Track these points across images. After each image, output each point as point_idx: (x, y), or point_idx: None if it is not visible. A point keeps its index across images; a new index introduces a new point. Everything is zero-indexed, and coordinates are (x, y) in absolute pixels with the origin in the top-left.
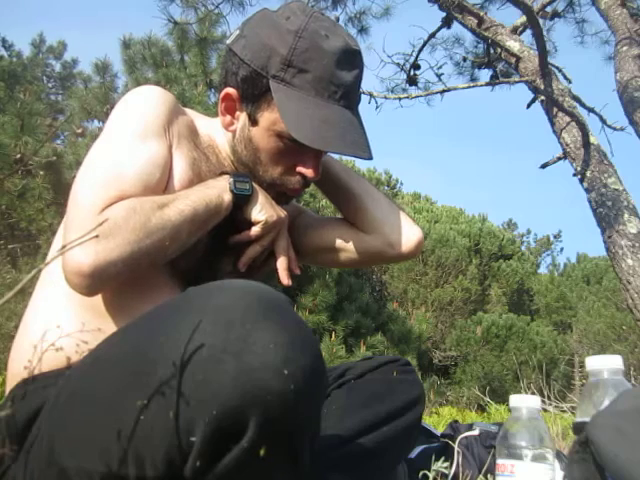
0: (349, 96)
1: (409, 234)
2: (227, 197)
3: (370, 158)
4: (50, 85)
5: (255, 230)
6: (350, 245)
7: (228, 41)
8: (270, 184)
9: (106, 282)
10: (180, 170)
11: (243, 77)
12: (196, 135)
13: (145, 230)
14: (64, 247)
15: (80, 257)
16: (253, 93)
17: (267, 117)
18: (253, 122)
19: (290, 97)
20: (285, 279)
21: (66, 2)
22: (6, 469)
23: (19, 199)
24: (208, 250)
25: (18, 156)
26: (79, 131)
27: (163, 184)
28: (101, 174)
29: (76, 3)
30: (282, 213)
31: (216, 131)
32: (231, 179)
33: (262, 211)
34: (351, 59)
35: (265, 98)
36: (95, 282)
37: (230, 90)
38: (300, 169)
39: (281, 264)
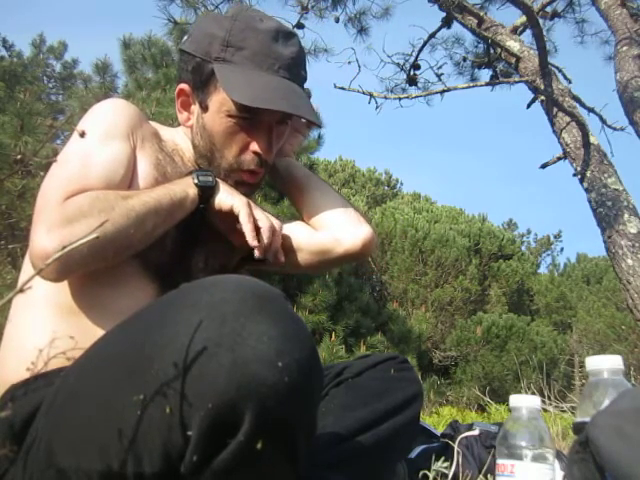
0: (290, 69)
1: (357, 231)
2: (192, 190)
3: (319, 125)
4: (50, 85)
5: (243, 215)
6: (303, 243)
7: (180, 46)
8: (227, 170)
9: (72, 268)
10: (145, 170)
11: (191, 69)
12: (160, 140)
13: (109, 217)
14: (64, 248)
15: (45, 242)
16: (201, 80)
17: (215, 99)
18: (204, 109)
19: (231, 71)
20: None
21: (67, 2)
22: (4, 472)
23: (19, 199)
24: (178, 244)
25: (18, 157)
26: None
27: (127, 182)
28: (67, 170)
29: (77, 3)
30: (245, 198)
31: (179, 137)
32: (194, 173)
33: (230, 196)
34: (287, 37)
35: (212, 82)
36: (61, 267)
37: (182, 85)
38: (253, 147)
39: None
